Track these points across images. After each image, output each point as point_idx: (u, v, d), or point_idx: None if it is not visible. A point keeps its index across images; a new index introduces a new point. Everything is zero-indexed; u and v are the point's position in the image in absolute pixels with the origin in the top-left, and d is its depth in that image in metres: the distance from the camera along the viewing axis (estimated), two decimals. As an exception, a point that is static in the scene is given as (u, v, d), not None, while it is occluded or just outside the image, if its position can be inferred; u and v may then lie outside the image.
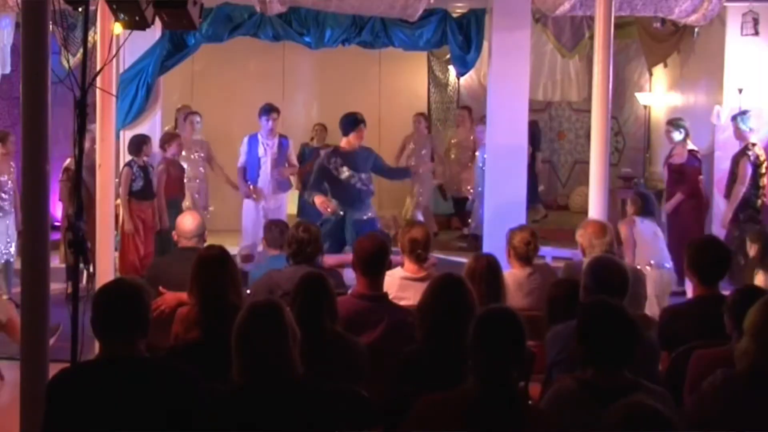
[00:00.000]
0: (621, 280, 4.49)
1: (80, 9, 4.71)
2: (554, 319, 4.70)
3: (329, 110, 12.07)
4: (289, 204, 10.44)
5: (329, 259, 6.74)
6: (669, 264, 7.90)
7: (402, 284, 5.50)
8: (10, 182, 8.88)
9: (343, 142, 8.51)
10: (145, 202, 9.01)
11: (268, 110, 9.80)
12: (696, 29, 10.24)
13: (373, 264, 4.89)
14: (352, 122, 8.47)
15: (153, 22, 5.13)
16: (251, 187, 9.70)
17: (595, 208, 7.28)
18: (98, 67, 6.32)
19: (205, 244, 5.79)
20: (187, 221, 6.13)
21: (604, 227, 5.82)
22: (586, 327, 3.55)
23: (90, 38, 5.02)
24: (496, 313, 3.47)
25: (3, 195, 8.86)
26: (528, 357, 4.54)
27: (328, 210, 8.24)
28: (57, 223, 9.70)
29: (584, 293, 4.47)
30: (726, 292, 4.56)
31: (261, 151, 9.73)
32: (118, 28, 5.33)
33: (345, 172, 8.37)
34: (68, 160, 9.25)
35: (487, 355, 3.33)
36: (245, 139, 9.87)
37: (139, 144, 9.01)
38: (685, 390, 4.00)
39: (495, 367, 3.31)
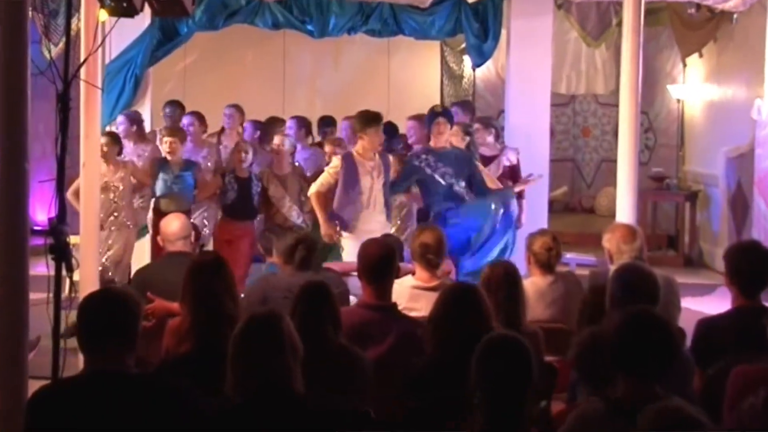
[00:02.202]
0: (651, 288, 4.48)
1: (63, -7, 4.73)
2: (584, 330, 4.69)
3: (334, 105, 12.08)
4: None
5: (333, 265, 6.74)
6: None
7: (412, 294, 5.50)
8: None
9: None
10: (236, 222, 8.78)
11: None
12: (734, 15, 10.21)
13: (380, 271, 4.89)
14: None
15: (142, 9, 5.15)
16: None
17: (623, 211, 7.27)
18: (82, 58, 6.35)
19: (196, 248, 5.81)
20: (170, 223, 6.14)
21: (633, 232, 5.80)
22: (620, 336, 3.53)
23: (73, 26, 5.06)
24: (499, 343, 3.46)
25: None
26: (550, 373, 4.57)
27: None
28: (37, 228, 9.72)
29: (610, 303, 4.46)
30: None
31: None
32: (103, 15, 5.35)
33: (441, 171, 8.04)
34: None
35: (491, 392, 3.33)
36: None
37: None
38: (723, 411, 3.98)
39: (501, 404, 3.31)
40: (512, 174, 8.99)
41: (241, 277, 7.69)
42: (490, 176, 8.50)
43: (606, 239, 5.82)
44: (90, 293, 3.77)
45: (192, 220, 8.45)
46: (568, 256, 9.78)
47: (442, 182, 7.96)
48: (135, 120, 9.46)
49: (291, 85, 13.42)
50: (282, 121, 10.17)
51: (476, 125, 9.08)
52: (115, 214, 8.64)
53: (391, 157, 8.16)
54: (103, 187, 8.48)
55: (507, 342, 3.49)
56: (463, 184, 7.99)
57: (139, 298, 3.80)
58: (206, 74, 12.87)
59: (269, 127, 10.01)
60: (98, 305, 3.59)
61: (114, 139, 8.75)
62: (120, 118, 9.39)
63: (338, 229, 7.79)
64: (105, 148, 8.48)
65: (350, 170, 7.81)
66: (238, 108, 9.97)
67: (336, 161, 7.97)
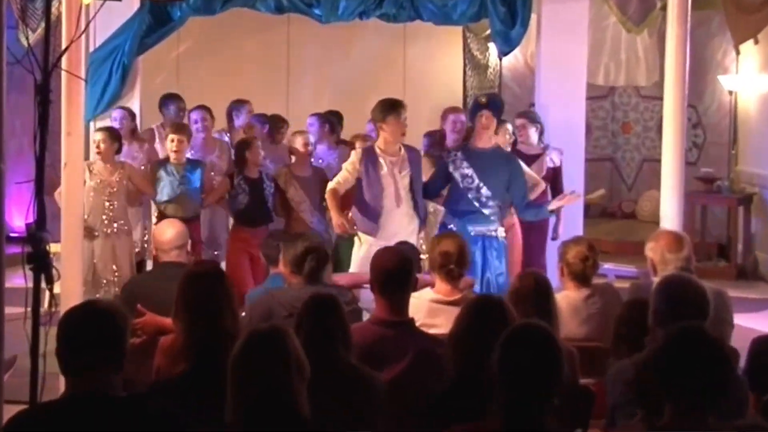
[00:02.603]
0: (699, 302, 4.47)
1: (42, -26, 4.75)
2: (620, 351, 4.69)
3: (343, 99, 12.10)
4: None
5: (342, 278, 6.75)
6: None
7: (431, 308, 5.51)
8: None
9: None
10: (251, 228, 8.80)
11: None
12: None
13: (395, 283, 4.90)
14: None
15: (130, -9, 5.16)
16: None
17: (668, 216, 7.27)
18: (63, 45, 6.37)
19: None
20: (165, 230, 6.15)
21: (680, 239, 5.79)
22: (665, 357, 3.53)
23: (53, 9, 5.08)
24: (523, 332, 3.50)
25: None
26: (586, 398, 4.57)
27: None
28: (13, 234, 9.76)
29: (654, 319, 4.45)
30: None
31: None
32: (87, -2, 5.37)
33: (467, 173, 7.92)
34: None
35: (510, 382, 3.36)
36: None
37: (244, 146, 8.91)
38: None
39: (520, 396, 3.34)
40: (554, 177, 8.99)
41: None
42: (532, 177, 8.47)
43: (649, 248, 5.81)
44: (71, 308, 3.78)
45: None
46: (606, 266, 9.79)
47: (459, 185, 7.89)
48: (133, 116, 9.49)
49: (296, 76, 13.46)
50: (284, 121, 10.21)
51: (519, 120, 9.09)
52: (109, 218, 8.63)
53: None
54: (97, 187, 8.51)
55: (532, 330, 3.51)
56: (488, 193, 7.80)
57: (127, 312, 3.82)
58: (202, 64, 12.92)
59: (277, 123, 10.06)
60: (81, 320, 3.59)
61: (113, 135, 8.74)
62: (118, 113, 9.37)
63: (353, 224, 7.74)
64: (102, 145, 8.51)
65: (370, 166, 7.79)
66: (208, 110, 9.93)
67: (354, 156, 7.96)
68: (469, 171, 7.84)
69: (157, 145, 9.81)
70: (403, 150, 7.89)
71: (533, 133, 9.06)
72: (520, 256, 8.58)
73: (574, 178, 9.39)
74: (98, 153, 8.61)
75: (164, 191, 8.75)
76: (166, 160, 8.88)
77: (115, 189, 8.64)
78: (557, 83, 9.72)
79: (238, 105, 10.08)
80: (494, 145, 8.07)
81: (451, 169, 7.91)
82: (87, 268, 8.32)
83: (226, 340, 4.17)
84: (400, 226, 7.74)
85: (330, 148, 9.81)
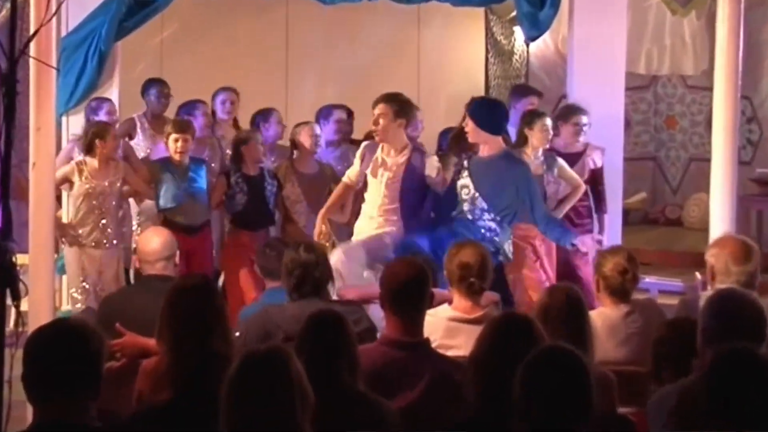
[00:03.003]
0: (756, 322, 4.45)
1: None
2: (664, 376, 4.68)
3: (349, 90, 12.09)
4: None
5: (349, 291, 6.75)
6: None
7: (449, 327, 5.52)
8: None
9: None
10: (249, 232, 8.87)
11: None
12: None
13: (409, 298, 4.90)
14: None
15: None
16: None
17: (719, 222, 7.26)
18: (32, 29, 6.38)
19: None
20: (150, 239, 6.16)
21: (748, 250, 5.73)
22: (714, 381, 3.51)
23: (21, -10, 5.07)
24: (550, 356, 3.51)
25: None
26: (624, 428, 4.55)
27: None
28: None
29: (703, 338, 4.44)
30: None
31: None
32: (59, -24, 5.38)
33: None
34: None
35: (532, 412, 3.39)
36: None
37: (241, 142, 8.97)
38: None
39: (543, 428, 3.35)
40: (593, 179, 8.96)
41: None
42: (573, 178, 8.44)
43: (711, 254, 5.80)
44: (40, 327, 3.79)
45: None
46: (648, 280, 9.75)
47: (458, 195, 7.86)
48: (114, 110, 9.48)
49: (296, 65, 13.44)
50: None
51: (585, 118, 9.05)
52: (102, 226, 8.62)
53: (435, 164, 8.10)
54: (89, 192, 8.51)
55: (558, 354, 3.52)
56: (486, 213, 7.74)
57: (104, 331, 3.82)
58: (189, 51, 12.91)
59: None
60: (50, 341, 3.61)
61: (109, 129, 8.74)
62: (105, 105, 9.34)
63: (329, 234, 8.00)
64: (111, 142, 8.51)
65: (364, 162, 8.06)
66: (234, 92, 10.02)
67: (360, 150, 8.21)
68: (467, 180, 7.84)
69: (139, 139, 9.79)
70: (408, 152, 7.97)
71: (572, 130, 9.06)
72: (554, 270, 8.56)
73: (611, 180, 9.38)
74: (102, 151, 8.54)
75: (169, 196, 8.73)
76: (168, 160, 8.84)
77: (108, 193, 8.63)
78: (592, 72, 9.70)
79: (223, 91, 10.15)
80: (498, 151, 7.95)
81: (454, 177, 7.97)
82: (80, 278, 8.38)
83: (218, 364, 4.16)
84: (365, 231, 7.89)
85: (331, 145, 9.81)
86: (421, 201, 8.00)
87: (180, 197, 8.73)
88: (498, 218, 7.76)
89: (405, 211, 7.91)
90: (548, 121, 8.84)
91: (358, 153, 8.19)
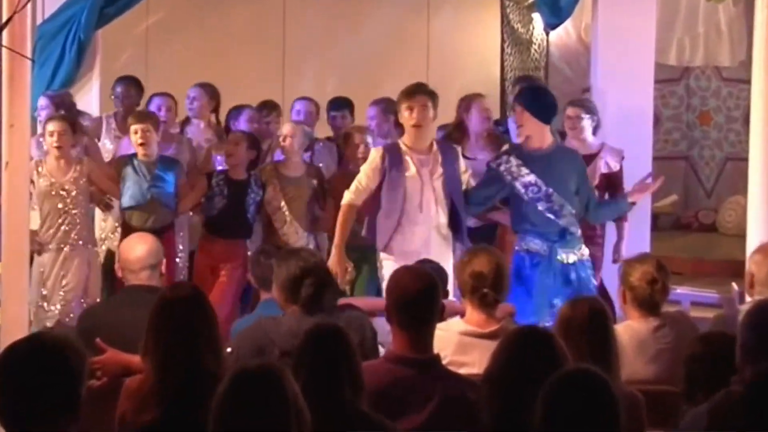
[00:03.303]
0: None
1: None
2: (697, 396, 4.69)
3: (352, 83, 12.11)
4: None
5: (354, 302, 6.74)
6: None
7: (462, 342, 5.52)
8: None
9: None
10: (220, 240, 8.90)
11: None
12: None
13: (417, 311, 4.88)
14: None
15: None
16: None
17: (757, 228, 7.27)
18: (5, 17, 6.40)
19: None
20: (134, 246, 6.16)
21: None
22: (750, 403, 3.51)
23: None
24: (572, 379, 3.52)
25: None
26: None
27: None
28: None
29: (741, 354, 4.45)
30: None
31: None
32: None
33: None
34: None
35: None
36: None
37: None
38: None
39: None
40: (608, 184, 8.92)
41: (227, 319, 7.59)
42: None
43: (754, 261, 5.80)
44: (14, 342, 3.79)
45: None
46: (679, 291, 9.74)
47: (525, 197, 7.82)
48: (62, 103, 9.41)
49: (294, 55, 13.45)
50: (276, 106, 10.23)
51: (571, 110, 8.99)
52: (67, 227, 8.63)
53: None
54: (49, 191, 8.51)
55: (585, 376, 3.53)
56: (565, 206, 7.75)
57: (84, 347, 3.82)
58: (176, 40, 12.93)
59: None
60: (25, 358, 3.60)
61: (71, 124, 8.73)
62: (41, 101, 9.32)
63: (351, 268, 7.83)
64: (63, 138, 8.49)
65: (393, 166, 7.82)
66: (206, 89, 9.99)
67: (374, 154, 8.00)
68: (532, 177, 7.82)
69: (105, 140, 9.78)
70: (435, 146, 7.95)
71: (588, 127, 9.00)
72: None
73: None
74: (57, 148, 8.54)
75: (129, 194, 8.72)
76: (134, 155, 8.82)
77: (71, 192, 8.64)
78: (618, 63, 9.71)
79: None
80: (552, 142, 8.01)
81: (509, 179, 7.85)
82: (37, 290, 8.36)
83: (207, 382, 4.17)
84: (428, 243, 7.75)
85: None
86: (460, 193, 7.94)
87: (139, 196, 8.70)
88: (573, 211, 7.82)
89: (452, 203, 7.88)
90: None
91: (370, 162, 7.94)
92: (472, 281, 5.59)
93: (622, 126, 9.44)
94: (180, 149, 9.54)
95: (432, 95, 7.88)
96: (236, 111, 9.86)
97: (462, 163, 8.05)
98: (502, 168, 7.87)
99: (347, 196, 7.90)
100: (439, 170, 7.84)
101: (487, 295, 5.59)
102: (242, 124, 9.69)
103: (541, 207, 7.75)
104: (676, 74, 13.87)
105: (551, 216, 7.75)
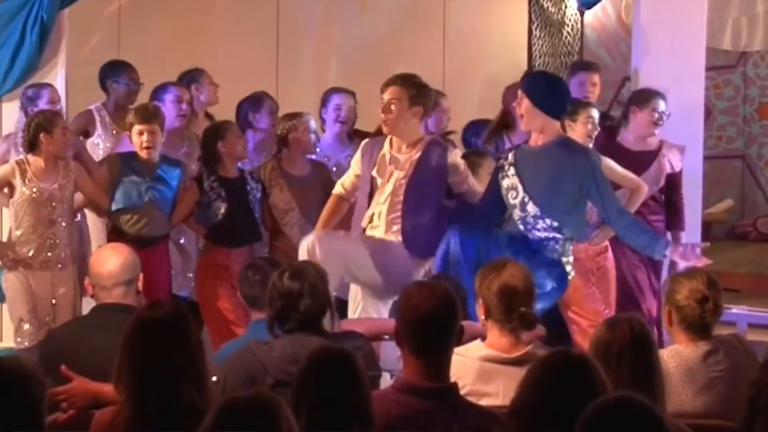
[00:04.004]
0: None
1: None
2: (759, 430, 4.70)
3: (357, 73, 12.13)
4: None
5: (358, 325, 6.76)
6: None
7: (483, 369, 5.54)
8: None
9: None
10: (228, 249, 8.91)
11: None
12: None
13: (433, 334, 4.89)
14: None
15: None
16: None
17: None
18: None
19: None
20: (106, 258, 6.16)
21: None
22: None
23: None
24: (615, 408, 3.52)
25: None
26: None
27: None
28: None
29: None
30: None
31: None
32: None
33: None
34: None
35: None
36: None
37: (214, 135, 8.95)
38: None
39: None
40: (669, 187, 8.92)
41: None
42: (628, 179, 8.45)
43: None
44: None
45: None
46: (735, 311, 9.75)
47: (505, 200, 7.82)
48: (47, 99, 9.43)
49: (289, 41, 13.46)
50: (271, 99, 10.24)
51: (663, 104, 9.01)
52: (51, 240, 8.60)
53: (459, 159, 8.12)
54: (32, 199, 8.49)
55: (627, 406, 3.55)
56: (540, 220, 7.65)
57: (46, 375, 3.84)
58: (152, 22, 12.94)
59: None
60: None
61: (57, 120, 8.67)
62: (33, 91, 9.31)
63: None
64: (65, 135, 8.51)
65: (367, 161, 8.10)
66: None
67: (362, 144, 8.29)
68: (515, 180, 7.77)
69: (99, 137, 9.79)
70: (423, 146, 8.04)
71: (647, 122, 9.00)
72: (614, 295, 8.56)
73: (688, 185, 9.40)
74: (48, 148, 8.49)
75: (122, 196, 8.66)
76: (134, 156, 8.76)
77: (58, 200, 8.60)
78: (664, 49, 9.74)
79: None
80: (553, 138, 7.90)
81: (499, 178, 7.88)
82: (27, 306, 8.40)
83: (189, 416, 4.19)
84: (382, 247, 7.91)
85: (337, 140, 9.84)
86: (430, 203, 7.97)
87: (135, 197, 8.66)
88: (555, 224, 7.69)
89: (407, 213, 7.93)
90: (595, 113, 8.70)
91: (357, 154, 8.26)
92: (505, 298, 5.58)
93: (669, 121, 9.44)
94: (192, 147, 9.63)
95: (411, 86, 7.98)
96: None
97: (459, 171, 8.11)
98: (501, 162, 7.94)
99: (336, 188, 8.32)
100: (407, 174, 7.95)
101: (527, 315, 5.60)
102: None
103: (516, 216, 7.75)
104: (731, 61, 13.91)
105: (521, 227, 7.71)
